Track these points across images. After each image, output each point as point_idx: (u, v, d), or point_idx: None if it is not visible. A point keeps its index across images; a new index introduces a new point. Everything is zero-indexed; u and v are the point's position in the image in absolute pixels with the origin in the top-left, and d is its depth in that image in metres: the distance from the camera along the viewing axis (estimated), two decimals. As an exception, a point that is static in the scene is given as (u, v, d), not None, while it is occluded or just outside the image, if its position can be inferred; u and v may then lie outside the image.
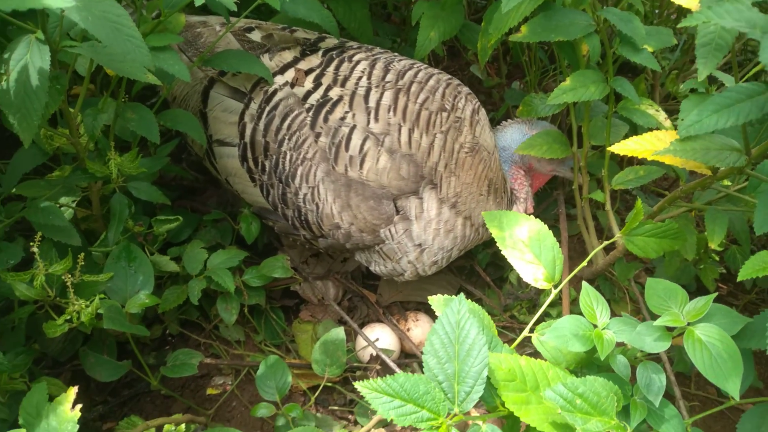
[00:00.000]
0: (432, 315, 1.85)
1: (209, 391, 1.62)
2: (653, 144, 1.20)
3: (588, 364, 1.08)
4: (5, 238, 1.37)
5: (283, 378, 1.42)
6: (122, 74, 1.18)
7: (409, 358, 1.76)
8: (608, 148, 1.22)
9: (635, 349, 1.05)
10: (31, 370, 1.38)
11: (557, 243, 1.13)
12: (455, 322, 0.93)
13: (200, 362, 1.50)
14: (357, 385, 0.87)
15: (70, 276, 1.23)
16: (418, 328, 1.80)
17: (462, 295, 0.96)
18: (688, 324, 0.94)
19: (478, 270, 1.95)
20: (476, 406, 0.99)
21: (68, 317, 1.23)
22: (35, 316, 1.35)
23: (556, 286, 1.13)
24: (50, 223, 1.27)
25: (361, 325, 1.83)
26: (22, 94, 1.05)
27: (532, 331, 1.12)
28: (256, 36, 1.60)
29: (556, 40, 1.36)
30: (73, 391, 0.90)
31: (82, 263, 1.28)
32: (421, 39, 1.67)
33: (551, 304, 1.71)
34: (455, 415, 0.89)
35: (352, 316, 1.86)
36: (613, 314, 1.85)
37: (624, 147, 1.21)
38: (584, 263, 1.15)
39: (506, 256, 1.15)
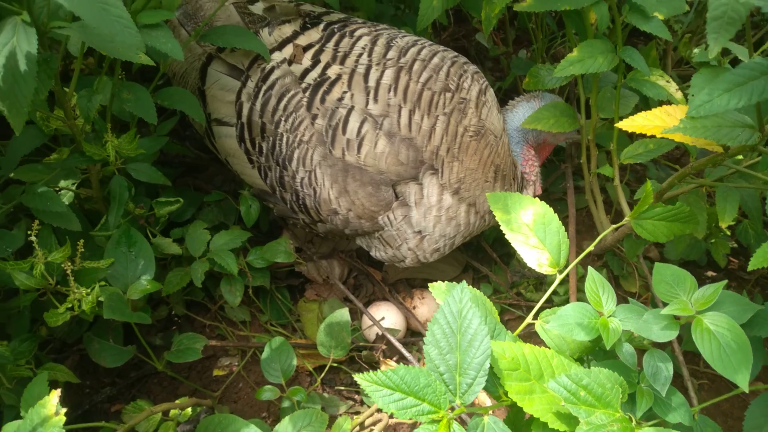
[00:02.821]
0: (438, 292, 1.84)
1: (216, 372, 1.63)
2: (663, 120, 1.16)
3: (593, 351, 1.06)
4: (4, 225, 1.36)
5: (288, 360, 1.41)
6: (113, 55, 1.15)
7: (415, 336, 1.76)
8: (616, 125, 1.17)
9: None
10: (37, 356, 1.38)
11: (563, 227, 1.10)
12: (457, 312, 0.90)
13: (206, 345, 1.50)
14: (357, 377, 0.85)
15: (70, 264, 1.22)
16: (424, 306, 1.78)
17: (464, 282, 0.93)
18: (697, 312, 0.91)
19: (484, 246, 1.92)
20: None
21: (69, 305, 1.22)
22: (40, 299, 1.35)
23: (561, 271, 1.10)
24: (48, 209, 1.26)
25: (367, 304, 1.83)
26: (11, 80, 1.02)
27: (536, 317, 1.09)
28: (258, 8, 1.55)
29: (563, 8, 1.30)
30: (55, 394, 0.87)
31: (82, 250, 1.26)
32: (424, 8, 1.60)
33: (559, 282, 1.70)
34: (457, 407, 0.87)
35: (357, 294, 1.85)
36: (622, 292, 1.85)
37: (632, 123, 1.17)
38: (590, 248, 1.12)
39: (510, 240, 1.12)
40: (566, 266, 1.10)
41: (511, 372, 0.93)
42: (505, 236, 1.12)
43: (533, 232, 1.10)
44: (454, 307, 0.91)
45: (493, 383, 0.95)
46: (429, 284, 1.11)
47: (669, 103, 1.43)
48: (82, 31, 1.09)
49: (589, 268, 1.03)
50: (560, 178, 1.97)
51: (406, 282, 1.88)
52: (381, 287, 1.84)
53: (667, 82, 1.40)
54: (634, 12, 1.31)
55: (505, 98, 2.17)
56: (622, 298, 1.83)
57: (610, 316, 0.98)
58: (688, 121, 1.03)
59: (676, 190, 1.39)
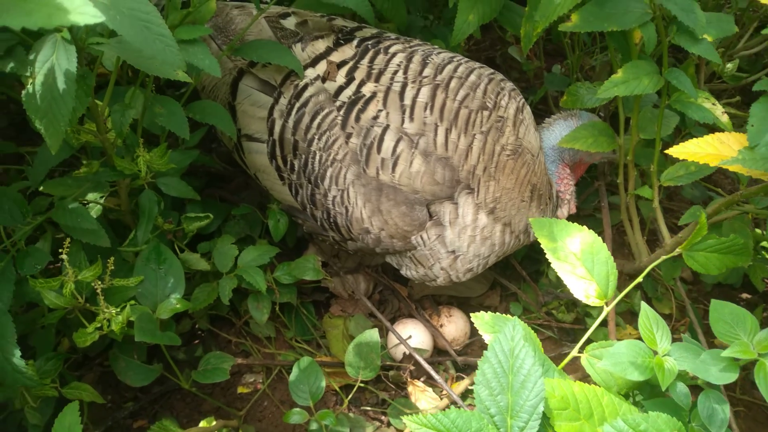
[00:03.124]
0: (465, 309, 1.81)
1: (240, 389, 1.60)
2: (716, 148, 1.12)
3: (640, 386, 1.02)
4: (31, 236, 1.34)
5: (316, 383, 1.38)
6: (151, 72, 1.13)
7: (442, 354, 1.72)
8: (667, 151, 1.14)
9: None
10: (61, 372, 1.36)
11: (611, 257, 1.06)
12: (509, 350, 0.87)
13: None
14: (406, 420, 0.82)
15: (99, 282, 1.19)
16: (451, 324, 1.75)
17: (516, 319, 0.90)
18: (760, 355, 0.88)
19: (513, 263, 1.88)
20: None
21: (99, 325, 1.20)
22: (68, 317, 1.32)
23: (608, 303, 1.06)
24: (79, 225, 1.23)
25: (393, 320, 1.79)
26: (49, 98, 1.00)
27: (581, 350, 1.06)
28: (290, 23, 1.52)
29: (610, 29, 1.26)
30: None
31: (113, 267, 1.24)
32: (459, 23, 1.57)
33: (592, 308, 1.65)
34: (508, 451, 0.84)
35: (383, 310, 1.81)
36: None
37: (684, 150, 1.13)
38: (637, 280, 1.08)
39: (556, 270, 1.08)
40: (614, 297, 1.07)
41: (561, 411, 0.90)
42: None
43: (581, 261, 1.07)
44: (505, 345, 0.87)
45: (542, 423, 0.92)
46: (472, 315, 1.08)
47: (715, 127, 1.39)
48: (121, 48, 1.06)
49: (642, 303, 0.99)
50: (593, 195, 1.93)
51: (432, 298, 1.84)
52: (407, 303, 1.80)
53: (713, 104, 1.36)
54: (682, 33, 1.28)
55: (534, 112, 2.14)
56: (653, 321, 1.79)
57: (665, 355, 0.95)
58: (747, 152, 0.99)
59: (721, 216, 1.35)
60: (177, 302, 1.28)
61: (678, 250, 1.09)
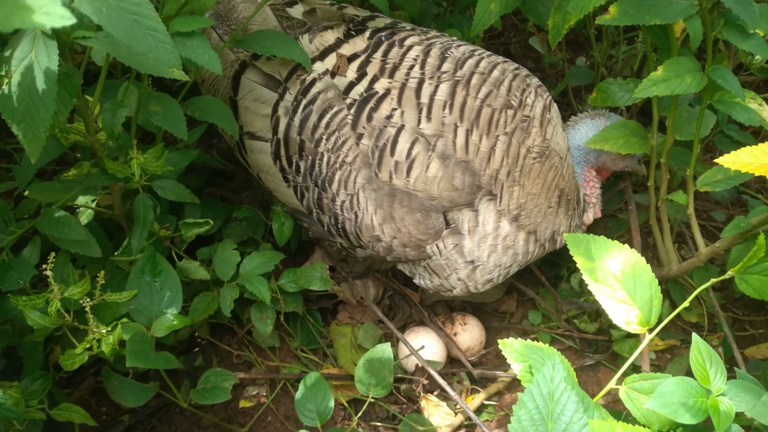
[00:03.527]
0: (480, 317, 1.71)
1: (242, 403, 1.50)
2: (772, 158, 1.00)
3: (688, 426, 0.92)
4: (15, 245, 1.23)
5: (324, 402, 1.28)
6: (143, 70, 1.01)
7: (455, 364, 1.62)
8: (717, 160, 1.02)
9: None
10: (50, 390, 1.26)
11: (656, 280, 0.95)
12: (548, 394, 0.77)
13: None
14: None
15: (88, 300, 1.08)
16: (466, 332, 1.65)
17: (556, 358, 0.79)
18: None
19: (531, 267, 1.78)
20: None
21: (88, 345, 1.10)
22: (55, 333, 1.22)
23: (651, 330, 0.95)
24: (66, 236, 1.13)
25: (404, 327, 1.69)
26: (27, 100, 0.89)
27: (619, 381, 0.95)
28: (297, 11, 1.39)
29: (652, 23, 1.14)
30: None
31: (103, 281, 1.13)
32: (480, 12, 1.45)
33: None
34: None
35: (393, 316, 1.71)
36: (682, 323, 1.70)
37: (736, 160, 1.01)
38: (683, 305, 0.97)
39: (593, 292, 0.97)
40: (658, 324, 0.96)
41: (604, 458, 0.80)
42: (589, 287, 0.98)
43: (621, 284, 0.96)
44: (544, 388, 0.77)
45: (583, 471, 0.82)
46: (500, 342, 0.97)
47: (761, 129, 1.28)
48: (109, 43, 0.94)
49: (694, 336, 0.88)
50: (617, 195, 1.82)
51: (444, 304, 1.74)
52: (419, 310, 1.70)
53: (760, 105, 1.25)
54: (731, 28, 1.16)
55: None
56: (681, 329, 1.69)
57: (720, 395, 0.84)
58: (814, 165, 0.88)
59: (765, 226, 1.24)
60: (174, 318, 1.18)
61: (730, 272, 0.98)
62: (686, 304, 0.97)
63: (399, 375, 1.55)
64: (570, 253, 1.00)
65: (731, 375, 0.90)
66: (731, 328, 1.56)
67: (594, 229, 1.90)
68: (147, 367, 1.08)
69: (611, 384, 0.97)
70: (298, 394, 1.30)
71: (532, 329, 1.69)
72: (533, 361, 0.87)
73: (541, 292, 1.76)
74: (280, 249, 1.58)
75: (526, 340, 1.66)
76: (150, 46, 0.86)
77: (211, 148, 1.84)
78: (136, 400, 1.24)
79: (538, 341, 1.65)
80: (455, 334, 1.65)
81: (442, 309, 1.73)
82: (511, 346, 0.95)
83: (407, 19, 1.69)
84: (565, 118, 1.49)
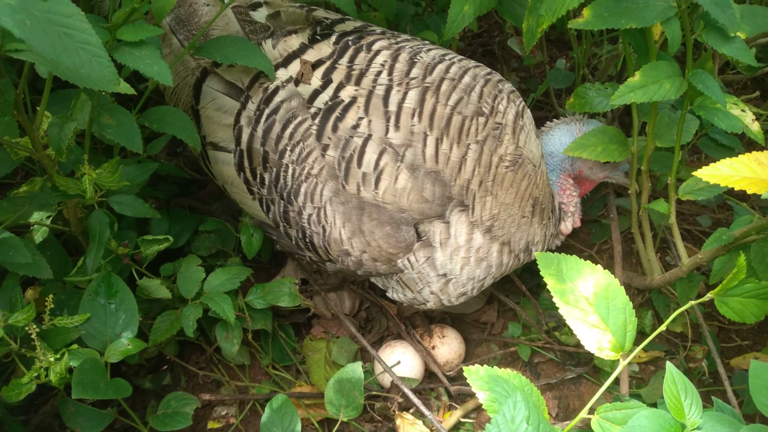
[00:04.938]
0: (460, 328, 1.65)
1: (210, 424, 1.44)
2: (753, 170, 0.95)
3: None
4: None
5: (291, 425, 1.23)
6: (82, 85, 0.95)
7: (433, 379, 1.57)
8: (695, 173, 0.97)
9: None
10: (1, 419, 1.20)
11: (630, 303, 0.90)
12: (508, 435, 0.71)
13: (199, 397, 1.32)
14: None
15: (35, 326, 1.02)
16: (444, 345, 1.59)
17: (518, 396, 0.74)
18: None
19: (512, 277, 1.72)
20: None
21: (35, 374, 1.04)
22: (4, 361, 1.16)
23: (625, 356, 0.90)
24: (11, 260, 1.06)
25: (381, 341, 1.64)
26: (-49, 119, 0.83)
27: (591, 411, 0.90)
28: (261, 15, 1.33)
29: (628, 26, 1.08)
30: None
31: (52, 306, 1.07)
32: (453, 14, 1.38)
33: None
34: None
35: (370, 328, 1.66)
36: (666, 333, 1.65)
37: (716, 173, 0.96)
38: (659, 330, 0.91)
39: (563, 316, 0.92)
40: (632, 350, 0.91)
41: (572, 500, 0.74)
42: (560, 310, 0.92)
43: (594, 307, 0.91)
44: (504, 428, 0.71)
45: None
46: (464, 368, 0.91)
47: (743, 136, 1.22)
48: (42, 57, 0.88)
49: (668, 364, 0.83)
50: (598, 201, 1.76)
51: (423, 315, 1.68)
52: (396, 322, 1.65)
53: (743, 111, 1.19)
54: (711, 31, 1.10)
55: (536, 105, 1.95)
56: (666, 340, 1.63)
57: (695, 429, 0.79)
58: (796, 181, 0.82)
59: (748, 239, 1.19)
60: (129, 342, 1.12)
61: (710, 294, 0.92)
62: (663, 328, 0.91)
63: (375, 392, 1.49)
64: (540, 273, 0.95)
65: (709, 403, 0.85)
66: (716, 339, 1.51)
67: (577, 235, 1.85)
68: (96, 398, 1.03)
69: (583, 413, 0.91)
70: (264, 417, 1.24)
71: (512, 341, 1.64)
72: (496, 395, 0.81)
73: (522, 301, 1.71)
74: (251, 261, 1.53)
75: (506, 351, 1.64)
76: (82, 60, 0.80)
77: (177, 156, 1.78)
78: (92, 428, 1.18)
79: (518, 354, 1.63)
80: (433, 348, 1.60)
81: (420, 321, 1.67)
82: (476, 374, 0.89)
83: (383, 20, 1.62)
84: (548, 120, 1.43)
